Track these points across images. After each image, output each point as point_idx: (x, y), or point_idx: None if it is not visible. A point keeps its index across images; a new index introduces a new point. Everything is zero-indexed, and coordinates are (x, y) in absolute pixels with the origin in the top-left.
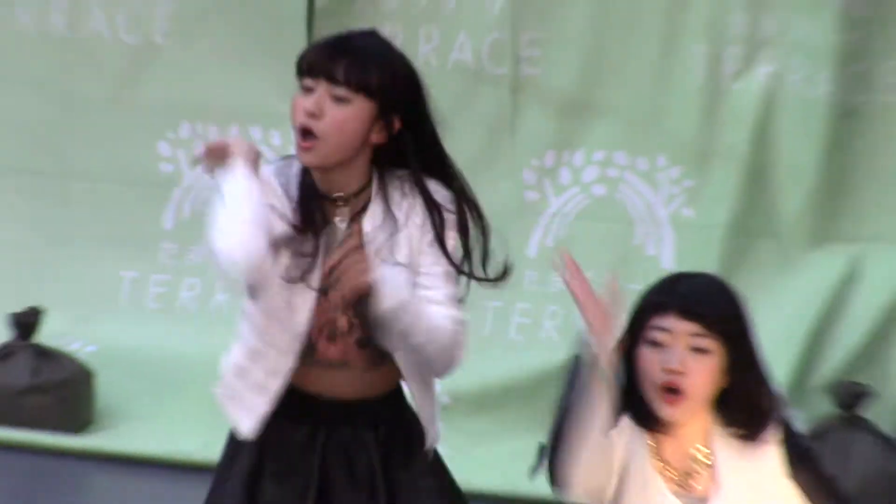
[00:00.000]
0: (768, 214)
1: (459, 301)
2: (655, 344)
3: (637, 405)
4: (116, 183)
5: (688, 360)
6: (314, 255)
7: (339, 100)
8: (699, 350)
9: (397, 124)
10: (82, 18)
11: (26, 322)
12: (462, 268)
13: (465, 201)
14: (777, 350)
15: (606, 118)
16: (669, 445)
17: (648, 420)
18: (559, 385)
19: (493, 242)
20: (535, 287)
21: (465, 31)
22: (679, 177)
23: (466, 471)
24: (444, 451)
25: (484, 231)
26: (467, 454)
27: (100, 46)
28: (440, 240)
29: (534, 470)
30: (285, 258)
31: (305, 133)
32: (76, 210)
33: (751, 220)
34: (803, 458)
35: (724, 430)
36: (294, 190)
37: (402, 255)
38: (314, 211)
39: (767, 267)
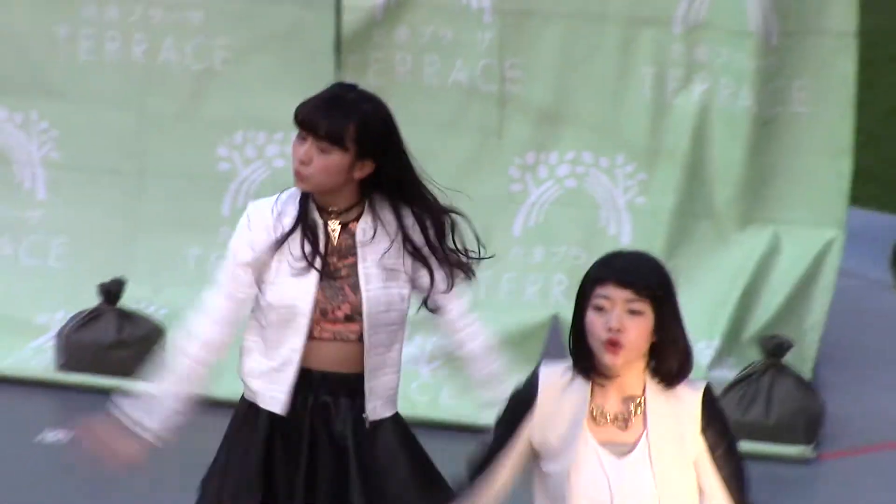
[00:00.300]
0: (705, 201)
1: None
2: (599, 309)
3: (584, 360)
4: (184, 179)
5: (625, 320)
6: (312, 254)
7: (322, 150)
8: (634, 312)
9: (370, 166)
10: (157, 49)
11: (112, 290)
12: (452, 257)
13: (440, 213)
14: (714, 311)
15: (575, 125)
16: (609, 393)
17: (593, 370)
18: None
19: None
20: (519, 260)
21: (461, 58)
22: (633, 171)
23: (469, 409)
24: (451, 394)
25: (454, 231)
26: (469, 397)
27: (171, 71)
28: (437, 237)
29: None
30: (286, 261)
31: (299, 173)
32: (152, 201)
33: (691, 206)
34: (716, 418)
35: (652, 379)
36: (288, 214)
37: (388, 260)
38: (309, 222)
39: (705, 243)
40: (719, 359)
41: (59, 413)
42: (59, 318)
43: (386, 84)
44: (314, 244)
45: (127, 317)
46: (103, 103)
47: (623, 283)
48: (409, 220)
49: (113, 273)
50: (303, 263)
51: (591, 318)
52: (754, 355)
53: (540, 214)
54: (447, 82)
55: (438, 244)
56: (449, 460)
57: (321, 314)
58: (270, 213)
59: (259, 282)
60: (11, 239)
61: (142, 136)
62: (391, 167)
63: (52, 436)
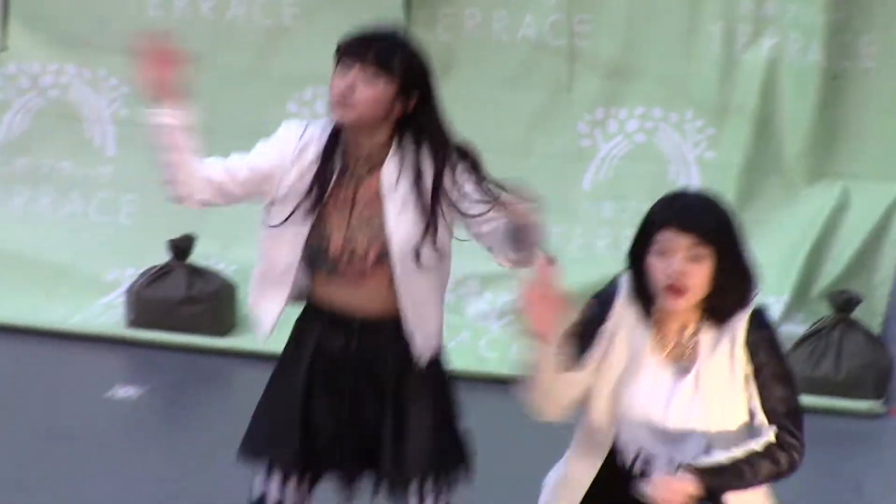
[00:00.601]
0: (774, 156)
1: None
2: (660, 253)
3: (644, 298)
4: (254, 135)
5: (686, 266)
6: (321, 189)
7: (368, 79)
8: (696, 258)
9: (413, 101)
10: (226, 5)
11: (182, 246)
12: (489, 187)
13: (470, 152)
14: (783, 266)
15: (645, 81)
16: (667, 321)
17: (652, 306)
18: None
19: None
20: (589, 214)
21: (530, 13)
22: (702, 126)
23: None
24: (520, 350)
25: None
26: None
27: (239, 28)
28: (474, 176)
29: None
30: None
31: (341, 103)
32: (221, 157)
33: (760, 161)
34: (761, 341)
35: (708, 313)
36: (313, 146)
37: (416, 203)
38: (334, 159)
39: (774, 199)
40: (788, 314)
41: (129, 369)
42: (129, 274)
43: (454, 39)
44: (323, 185)
45: (197, 273)
46: None
47: (685, 229)
48: (438, 162)
49: (183, 229)
50: (308, 200)
51: (653, 261)
52: (824, 310)
53: (609, 169)
54: (516, 37)
55: (471, 181)
56: (518, 415)
57: (349, 257)
58: (298, 138)
59: (264, 198)
60: (82, 196)
61: (211, 93)
62: (428, 108)
63: (122, 392)
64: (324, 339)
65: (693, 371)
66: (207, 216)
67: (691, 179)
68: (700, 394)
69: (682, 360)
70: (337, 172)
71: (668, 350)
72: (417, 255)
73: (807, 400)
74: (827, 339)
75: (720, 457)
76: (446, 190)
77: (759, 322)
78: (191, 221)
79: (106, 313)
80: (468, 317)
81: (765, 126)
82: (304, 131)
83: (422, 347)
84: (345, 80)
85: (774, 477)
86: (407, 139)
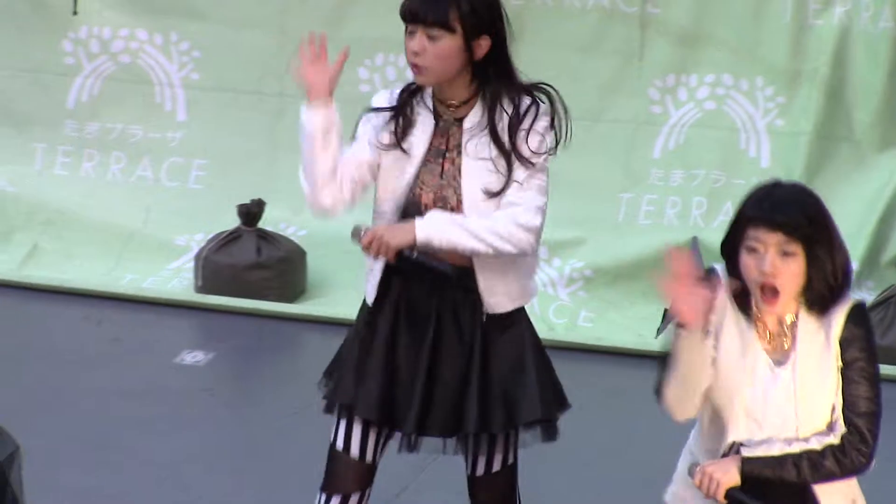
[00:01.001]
0: (844, 124)
1: (541, 209)
2: (752, 250)
3: (743, 292)
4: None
5: (778, 263)
6: (400, 132)
7: (432, 38)
8: (787, 254)
9: (484, 47)
10: None
11: (252, 211)
12: (551, 151)
13: (549, 94)
14: (853, 234)
15: (715, 48)
16: (767, 316)
17: (750, 301)
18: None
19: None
20: (658, 182)
21: None
22: (773, 94)
23: (606, 331)
24: (587, 315)
25: (565, 112)
26: (606, 318)
27: None
28: (533, 130)
29: (659, 331)
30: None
31: (415, 67)
32: (292, 122)
33: (831, 129)
34: (856, 336)
35: (807, 304)
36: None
37: (494, 149)
38: (418, 109)
39: (845, 166)
40: (857, 282)
41: (198, 334)
42: (199, 239)
43: (526, 6)
44: (409, 129)
45: (266, 238)
46: (243, 24)
47: (775, 227)
48: (511, 111)
49: (252, 194)
50: (406, 149)
51: (745, 258)
52: (893, 278)
53: (680, 137)
54: (588, 4)
55: (525, 138)
56: (584, 382)
57: (437, 206)
58: (386, 101)
59: (373, 173)
60: (152, 161)
61: (282, 57)
62: (501, 52)
63: (191, 357)
64: (407, 288)
65: (790, 362)
66: (277, 182)
67: (761, 147)
68: (795, 385)
69: (781, 351)
70: (431, 124)
71: (767, 340)
72: (490, 206)
73: None
74: None
75: (775, 450)
76: (518, 144)
77: (857, 317)
78: (261, 187)
79: (175, 278)
80: (539, 283)
81: (836, 93)
82: (391, 94)
83: (501, 300)
84: (411, 46)
85: (831, 477)
86: (487, 87)
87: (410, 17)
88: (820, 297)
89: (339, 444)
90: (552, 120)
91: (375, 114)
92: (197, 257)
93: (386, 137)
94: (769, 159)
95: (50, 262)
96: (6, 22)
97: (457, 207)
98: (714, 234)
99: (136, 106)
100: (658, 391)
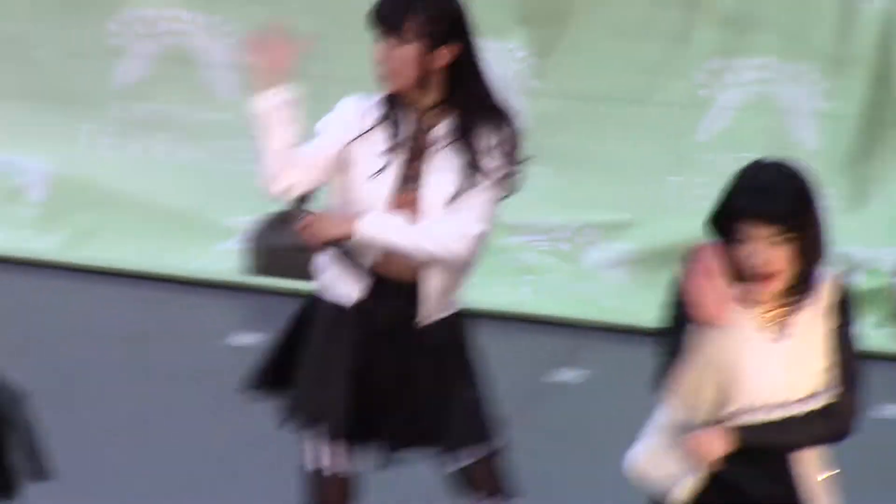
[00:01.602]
0: (891, 109)
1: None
2: (741, 241)
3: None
4: (368, 84)
5: (768, 253)
6: (393, 146)
7: (391, 45)
8: (777, 243)
9: (446, 56)
10: None
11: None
12: (510, 168)
13: (513, 117)
14: None
15: (762, 32)
16: (758, 292)
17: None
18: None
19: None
20: (707, 165)
21: None
22: (819, 78)
23: (654, 313)
24: (640, 299)
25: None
26: (653, 300)
27: None
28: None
29: (664, 331)
30: (364, 161)
31: (381, 76)
32: (332, 106)
33: (877, 113)
34: (839, 307)
35: (797, 278)
36: (371, 115)
37: (456, 160)
38: (395, 118)
39: (891, 151)
40: None
41: (247, 316)
42: (248, 221)
43: None
44: (396, 136)
45: None
46: (290, 7)
47: (762, 221)
48: (478, 124)
49: None
50: (382, 159)
51: (736, 248)
52: None
53: (726, 120)
54: None
55: (494, 155)
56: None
57: (394, 209)
58: (356, 111)
59: (339, 177)
60: (199, 142)
61: (327, 40)
62: (471, 56)
63: (240, 338)
64: (368, 302)
65: (783, 333)
66: None
67: (808, 131)
68: (789, 356)
69: (774, 323)
70: (403, 132)
71: (762, 317)
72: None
73: None
74: None
75: (766, 417)
76: (479, 153)
77: (840, 288)
78: None
79: (224, 260)
80: (586, 266)
81: (882, 78)
82: (359, 102)
83: (434, 307)
84: (377, 54)
85: (819, 441)
86: (456, 97)
87: (372, 24)
88: (809, 271)
89: (313, 466)
90: (514, 140)
91: (352, 112)
92: (246, 239)
93: (363, 136)
94: (816, 142)
95: (97, 244)
96: (51, 4)
97: (414, 212)
98: None
99: (181, 87)
100: (659, 383)
